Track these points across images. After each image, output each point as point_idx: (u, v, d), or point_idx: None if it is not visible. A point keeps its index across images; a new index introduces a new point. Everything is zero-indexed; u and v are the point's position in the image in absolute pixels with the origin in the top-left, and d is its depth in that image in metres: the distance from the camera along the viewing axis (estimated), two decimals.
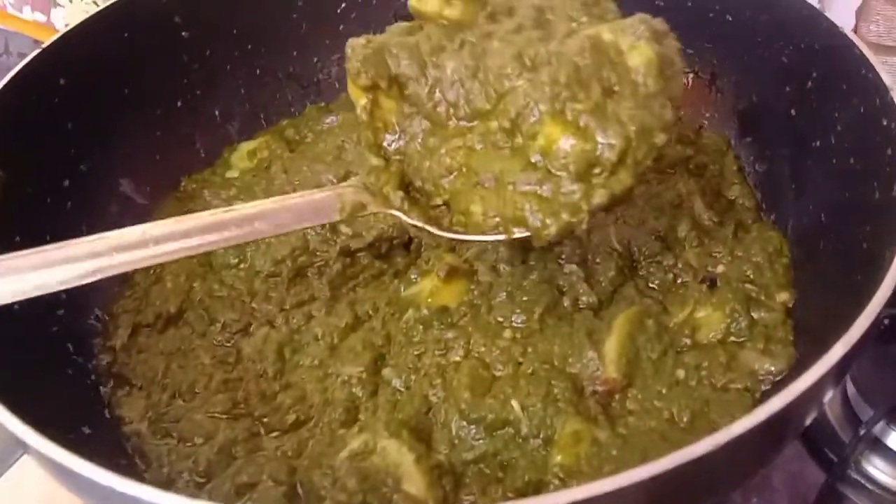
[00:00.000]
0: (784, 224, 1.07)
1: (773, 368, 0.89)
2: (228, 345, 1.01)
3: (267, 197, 1.13)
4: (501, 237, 0.85)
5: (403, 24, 0.90)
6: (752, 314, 0.94)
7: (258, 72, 1.34)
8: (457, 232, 0.88)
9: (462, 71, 0.83)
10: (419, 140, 0.88)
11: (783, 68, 1.08)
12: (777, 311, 0.95)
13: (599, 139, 0.77)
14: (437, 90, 0.85)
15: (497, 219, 0.84)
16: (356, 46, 0.86)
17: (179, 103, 1.26)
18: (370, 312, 1.01)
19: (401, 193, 0.87)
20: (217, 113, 1.31)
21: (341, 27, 1.36)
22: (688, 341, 0.93)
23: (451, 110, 0.85)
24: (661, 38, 0.83)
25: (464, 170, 0.85)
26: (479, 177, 0.84)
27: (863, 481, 1.02)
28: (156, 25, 1.21)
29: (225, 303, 1.04)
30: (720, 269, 1.00)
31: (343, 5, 1.35)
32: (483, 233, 0.86)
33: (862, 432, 1.02)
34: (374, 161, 0.90)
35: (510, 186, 0.82)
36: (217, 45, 1.28)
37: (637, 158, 0.79)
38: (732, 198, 1.11)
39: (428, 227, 0.88)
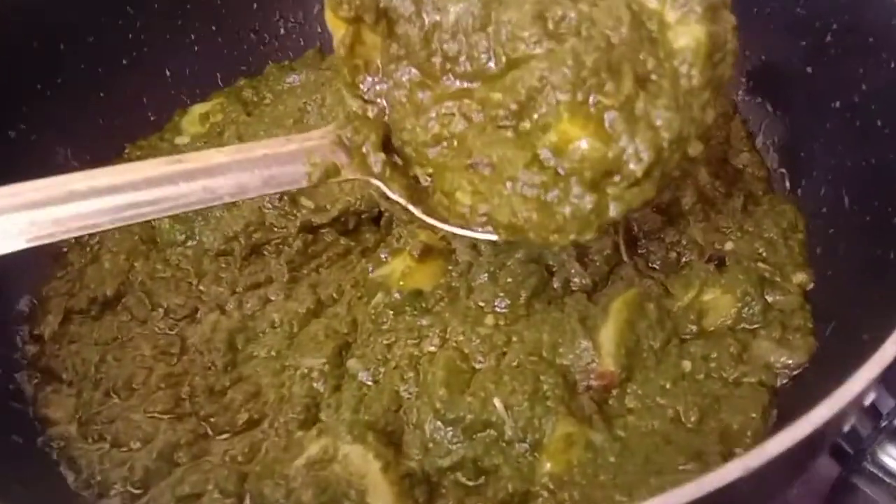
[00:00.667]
0: (799, 195, 0.96)
1: (790, 361, 0.78)
2: (172, 333, 0.89)
3: None
4: (492, 237, 0.73)
5: None
6: (766, 297, 0.84)
7: (214, 27, 1.20)
8: (440, 219, 0.75)
9: (468, 20, 0.69)
10: (405, 91, 0.74)
11: (798, 20, 0.96)
12: (794, 293, 0.84)
13: (626, 146, 0.64)
14: (435, 37, 0.71)
15: (486, 217, 0.71)
16: None
17: (124, 61, 1.13)
18: (334, 296, 0.90)
19: (382, 156, 0.74)
20: (167, 71, 1.17)
21: None
22: (694, 328, 0.83)
23: (448, 65, 0.71)
24: (716, 10, 0.68)
25: (455, 143, 0.71)
26: (471, 157, 0.70)
27: (880, 473, 0.93)
28: None
29: (169, 285, 0.92)
30: (729, 246, 0.90)
31: None
32: (468, 227, 0.74)
33: (883, 424, 0.93)
34: (353, 104, 0.76)
35: (508, 183, 0.68)
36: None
37: (666, 170, 0.67)
38: (740, 166, 1.00)
39: (411, 207, 0.75)
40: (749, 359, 0.79)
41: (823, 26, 0.92)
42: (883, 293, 0.74)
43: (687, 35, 0.65)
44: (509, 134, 0.68)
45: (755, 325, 0.83)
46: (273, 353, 0.85)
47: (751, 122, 1.05)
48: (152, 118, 1.15)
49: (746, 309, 0.83)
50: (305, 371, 0.82)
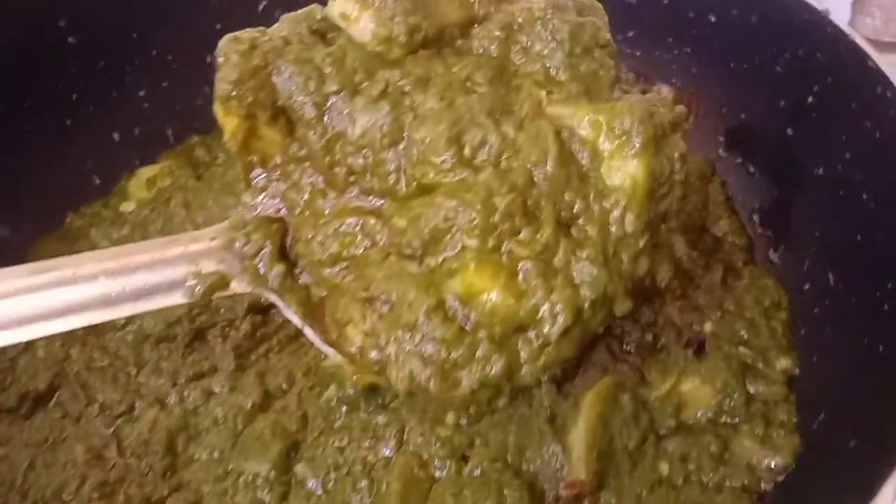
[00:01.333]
0: (781, 267, 0.91)
1: (774, 464, 0.72)
2: (108, 432, 0.82)
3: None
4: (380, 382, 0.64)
5: (314, 16, 0.65)
6: (748, 387, 0.78)
7: (165, 83, 1.13)
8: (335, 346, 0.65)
9: (376, 134, 0.60)
10: (305, 195, 0.65)
11: (777, 78, 0.92)
12: (777, 382, 0.79)
13: (540, 304, 0.56)
14: (338, 148, 0.62)
15: (377, 367, 0.61)
16: (231, 50, 0.62)
17: (68, 122, 1.05)
18: (283, 386, 0.83)
19: (280, 268, 0.64)
20: (114, 132, 1.10)
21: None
22: (671, 422, 0.77)
23: (353, 178, 0.62)
24: (661, 140, 0.59)
25: (354, 267, 0.62)
26: (369, 289, 0.61)
27: None
28: (36, 30, 1.00)
29: (106, 376, 0.85)
30: (708, 327, 0.84)
31: (264, 3, 1.15)
32: (355, 367, 0.64)
33: None
34: (248, 200, 0.67)
35: (407, 334, 0.58)
36: (112, 52, 1.07)
37: (587, 329, 0.59)
38: (719, 234, 0.94)
39: (307, 331, 0.65)
40: (731, 458, 0.74)
41: (804, 87, 0.88)
42: (872, 391, 0.69)
43: (622, 172, 0.57)
44: (414, 268, 0.59)
45: (737, 419, 0.77)
46: (216, 456, 0.78)
47: (729, 183, 1.00)
48: (98, 182, 1.08)
49: (727, 401, 0.77)
50: (250, 478, 0.75)
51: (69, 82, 1.05)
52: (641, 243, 0.58)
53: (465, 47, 0.64)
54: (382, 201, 0.62)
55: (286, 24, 0.65)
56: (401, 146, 0.60)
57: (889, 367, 0.66)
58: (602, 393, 0.76)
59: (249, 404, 0.80)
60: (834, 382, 0.75)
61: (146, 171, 1.08)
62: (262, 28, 0.66)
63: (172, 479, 0.77)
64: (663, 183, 0.59)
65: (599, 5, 0.68)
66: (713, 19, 0.98)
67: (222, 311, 0.87)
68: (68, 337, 0.89)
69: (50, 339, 0.88)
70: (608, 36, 0.64)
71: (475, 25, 0.64)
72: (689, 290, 0.86)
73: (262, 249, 0.64)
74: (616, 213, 0.57)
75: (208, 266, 0.64)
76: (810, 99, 0.87)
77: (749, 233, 0.95)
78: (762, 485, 0.73)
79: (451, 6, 0.64)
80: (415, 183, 0.59)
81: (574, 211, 0.57)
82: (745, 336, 0.82)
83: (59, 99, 1.04)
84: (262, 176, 0.66)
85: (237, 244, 0.64)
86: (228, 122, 0.64)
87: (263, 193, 0.66)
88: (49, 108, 1.03)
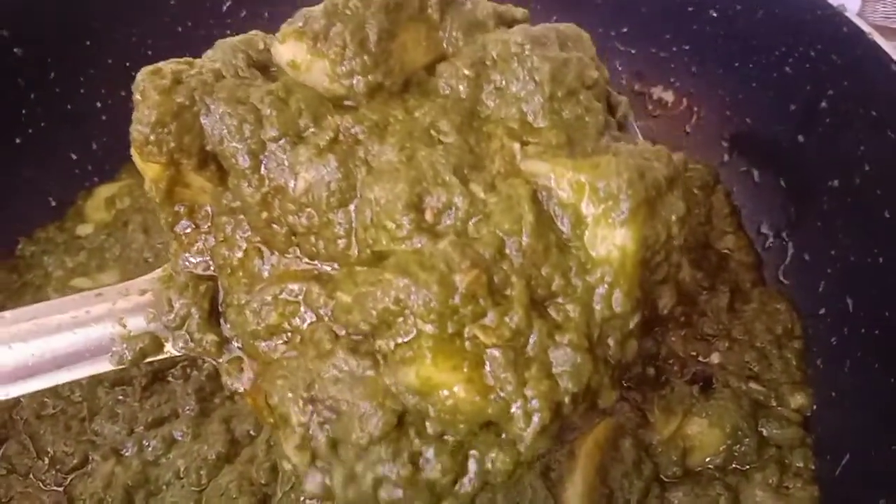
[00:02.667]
0: (793, 289, 0.83)
1: None
2: (59, 489, 0.74)
3: (118, 266, 0.89)
4: None
5: (254, 45, 0.55)
6: (761, 430, 0.71)
7: (123, 92, 1.04)
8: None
9: (322, 192, 0.50)
10: (239, 253, 0.55)
11: (786, 80, 0.84)
12: (793, 423, 0.72)
13: (512, 402, 0.46)
14: (277, 204, 0.52)
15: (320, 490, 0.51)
16: (151, 86, 0.53)
17: (18, 140, 0.97)
18: (251, 432, 0.76)
19: (212, 337, 0.55)
20: (70, 148, 1.02)
21: (229, 32, 1.07)
22: (677, 470, 0.70)
23: (295, 238, 0.53)
24: (654, 203, 0.49)
25: (293, 347, 0.52)
26: (312, 390, 0.50)
27: None
28: None
29: (57, 425, 0.78)
30: (715, 358, 0.77)
31: (229, 3, 1.06)
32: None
33: None
34: (173, 259, 0.57)
35: (358, 459, 0.48)
36: (64, 61, 0.99)
37: (567, 424, 0.50)
38: (725, 251, 0.86)
39: (248, 400, 0.56)
40: None
41: (817, 90, 0.80)
42: None
43: (609, 241, 0.48)
44: (368, 371, 0.49)
45: (748, 466, 0.70)
46: None
47: (735, 193, 0.92)
48: (53, 204, 1.00)
49: (738, 446, 0.70)
50: None
51: (17, 97, 0.96)
52: (631, 324, 0.49)
53: (429, 86, 0.54)
54: (333, 267, 0.53)
55: (219, 53, 0.55)
56: (352, 205, 0.51)
57: None
58: (601, 440, 0.69)
59: (214, 455, 0.73)
60: (856, 423, 0.68)
61: (104, 190, 1.00)
62: (189, 59, 0.57)
63: None
64: (658, 251, 0.50)
65: (586, 35, 0.59)
66: (714, 14, 0.90)
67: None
68: None
69: None
70: (596, 74, 0.55)
71: (442, 61, 0.56)
72: (693, 317, 0.80)
73: (188, 317, 0.56)
74: (602, 290, 0.48)
75: (137, 325, 0.56)
76: (824, 103, 0.79)
77: (757, 249, 0.87)
78: None
79: (417, 50, 0.54)
80: (368, 249, 0.50)
81: (552, 288, 0.48)
82: (756, 369, 0.75)
83: (7, 114, 0.96)
84: (190, 228, 0.57)
85: (163, 313, 0.56)
86: (148, 168, 0.55)
87: (191, 248, 0.57)
88: None
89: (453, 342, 0.47)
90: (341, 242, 0.51)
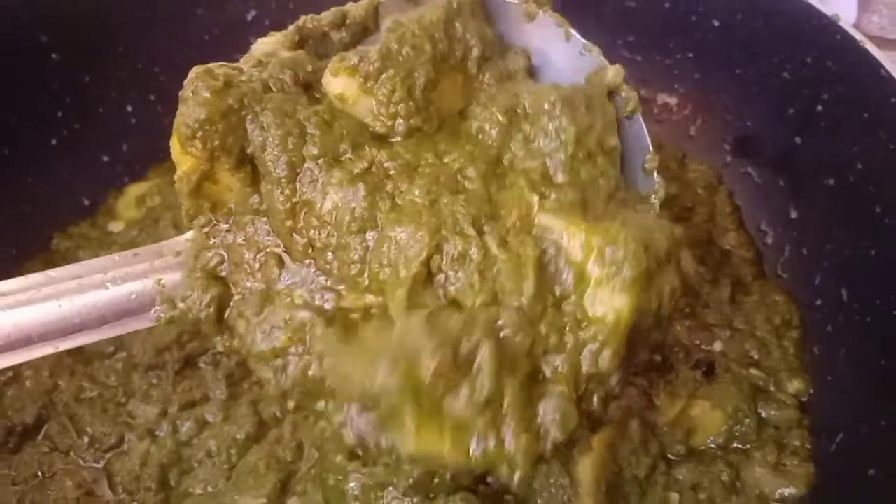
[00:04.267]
0: (791, 282, 0.88)
1: (787, 492, 0.69)
2: (98, 466, 0.79)
3: None
4: None
5: (303, 66, 0.58)
6: (760, 412, 0.75)
7: (152, 96, 1.10)
8: None
9: (346, 215, 0.54)
10: (256, 255, 0.57)
11: (785, 84, 0.88)
12: (790, 405, 0.76)
13: (496, 460, 0.49)
14: (303, 216, 0.56)
15: None
16: (203, 86, 0.56)
17: (54, 141, 1.02)
18: (277, 415, 0.80)
19: (219, 339, 0.58)
20: (102, 149, 1.07)
21: (251, 40, 1.12)
22: (681, 448, 0.74)
23: (312, 252, 0.56)
24: (653, 275, 0.53)
25: (299, 378, 0.53)
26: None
27: None
28: (16, 47, 0.97)
29: (95, 408, 0.82)
30: (717, 346, 0.81)
31: (253, 13, 1.12)
32: None
33: None
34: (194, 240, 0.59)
35: None
36: (97, 66, 1.04)
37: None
38: (727, 247, 0.91)
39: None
40: (743, 488, 0.71)
41: (813, 95, 0.84)
42: (891, 415, 0.65)
43: (607, 305, 0.51)
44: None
45: (748, 445, 0.74)
46: (210, 490, 0.76)
47: (737, 193, 0.97)
48: (86, 203, 1.05)
49: (738, 426, 0.74)
50: None
51: (53, 99, 1.01)
52: (613, 382, 0.53)
53: (461, 128, 0.59)
54: (340, 289, 0.55)
55: (270, 69, 0.59)
56: (370, 234, 0.54)
57: None
58: (612, 421, 0.73)
59: (243, 435, 0.78)
60: (851, 405, 0.72)
61: (135, 189, 1.04)
62: (237, 65, 0.61)
63: None
64: (650, 316, 0.54)
65: (610, 106, 0.63)
66: (717, 23, 0.94)
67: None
68: (56, 366, 0.86)
69: (37, 370, 0.86)
70: (614, 142, 0.60)
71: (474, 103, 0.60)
72: (697, 308, 0.84)
73: (199, 312, 0.58)
74: (592, 347, 0.52)
75: (174, 281, 0.59)
76: (819, 107, 0.84)
77: (757, 245, 0.91)
78: None
79: (454, 96, 0.59)
80: (375, 283, 0.54)
81: (545, 344, 0.52)
82: (756, 356, 0.80)
83: (44, 117, 1.01)
84: (211, 223, 0.60)
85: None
86: (184, 160, 0.58)
87: (209, 241, 0.59)
88: (33, 127, 1.00)
89: (432, 415, 0.49)
90: (354, 268, 0.54)
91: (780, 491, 0.70)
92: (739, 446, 0.74)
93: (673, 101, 1.03)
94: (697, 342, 0.81)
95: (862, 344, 0.74)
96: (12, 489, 0.78)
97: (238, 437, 0.78)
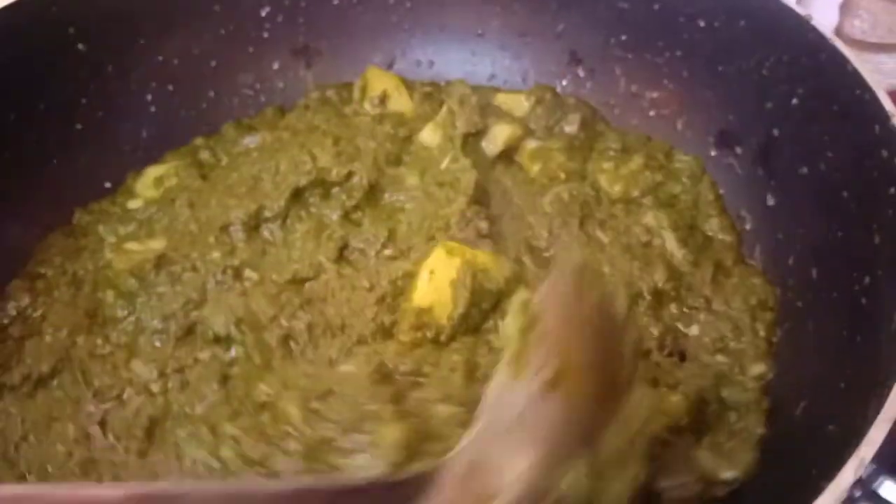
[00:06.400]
0: (767, 264, 0.93)
1: (729, 475, 0.73)
2: (97, 413, 0.85)
3: (166, 235, 0.99)
4: None
5: None
6: (724, 396, 0.79)
7: (171, 87, 1.17)
8: None
9: None
10: None
11: (764, 81, 0.94)
12: (750, 389, 0.80)
13: None
14: None
15: None
16: None
17: (79, 126, 1.09)
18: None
19: None
20: (123, 135, 1.13)
21: (266, 35, 1.19)
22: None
23: None
24: None
25: None
26: None
27: None
28: (47, 39, 1.04)
29: (106, 364, 0.88)
30: (694, 329, 0.85)
31: (267, 9, 1.18)
32: None
33: (857, 494, 0.89)
34: None
35: None
36: (119, 58, 1.11)
37: None
38: (710, 233, 0.96)
39: None
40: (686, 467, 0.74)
41: (789, 90, 0.90)
42: (849, 379, 0.70)
43: None
44: None
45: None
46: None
47: (719, 183, 1.02)
48: (107, 185, 1.11)
49: (699, 413, 0.77)
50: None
51: (79, 88, 1.08)
52: None
53: None
54: None
55: None
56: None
57: (865, 356, 0.68)
58: None
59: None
60: (815, 372, 0.77)
61: (153, 171, 1.11)
62: None
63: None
64: None
65: None
66: (702, 24, 1.00)
67: None
68: (75, 326, 0.92)
69: (57, 328, 0.92)
70: None
71: None
72: (681, 291, 0.88)
73: None
74: None
75: None
76: (794, 101, 0.89)
77: (738, 230, 0.96)
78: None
79: None
80: None
81: None
82: (729, 337, 0.84)
83: (70, 104, 1.08)
84: None
85: None
86: None
87: None
88: (60, 113, 1.07)
89: None
90: None
91: (723, 474, 0.73)
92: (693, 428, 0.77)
93: (662, 96, 1.08)
94: (678, 324, 0.86)
95: (827, 317, 0.78)
96: (21, 427, 0.84)
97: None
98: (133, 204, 1.07)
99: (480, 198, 0.93)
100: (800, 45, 0.87)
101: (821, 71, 0.84)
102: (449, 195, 0.91)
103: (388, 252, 0.91)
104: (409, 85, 1.14)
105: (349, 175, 0.95)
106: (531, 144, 1.04)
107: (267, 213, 0.95)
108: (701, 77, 1.03)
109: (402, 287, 0.84)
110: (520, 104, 1.10)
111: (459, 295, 0.78)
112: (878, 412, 0.56)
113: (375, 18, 1.19)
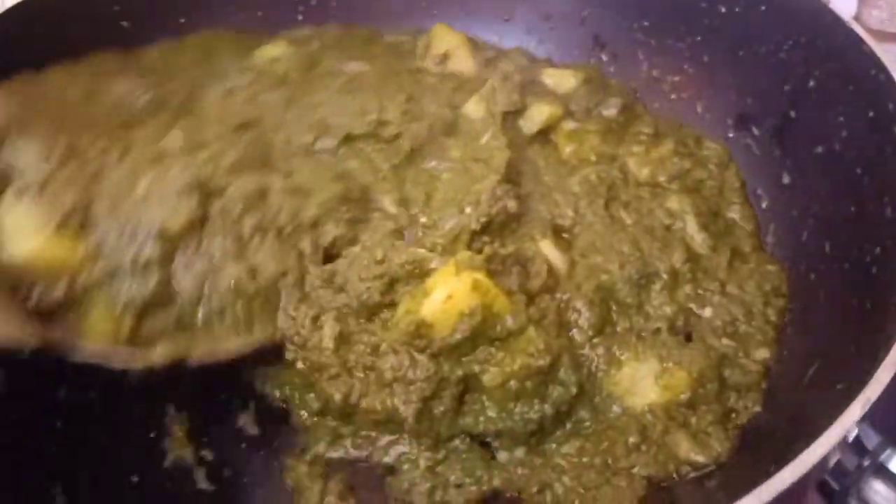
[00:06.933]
0: (782, 241, 0.96)
1: (700, 459, 0.78)
2: None
3: None
4: None
5: None
6: (725, 377, 0.83)
7: None
8: None
9: None
10: None
11: (782, 64, 0.98)
12: (752, 372, 0.84)
13: None
14: None
15: None
16: None
17: None
18: None
19: None
20: None
21: (300, 18, 1.23)
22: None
23: None
24: None
25: None
26: None
27: None
28: (93, 15, 1.08)
29: None
30: (707, 312, 0.88)
31: None
32: None
33: (867, 463, 0.93)
34: None
35: None
36: (161, 36, 1.14)
37: None
38: (731, 219, 0.98)
39: None
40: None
41: (805, 72, 0.94)
42: (859, 341, 0.74)
43: None
44: None
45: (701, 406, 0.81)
46: None
47: (738, 164, 1.05)
48: None
49: (701, 390, 0.81)
50: None
51: None
52: None
53: None
54: None
55: None
56: None
57: (874, 321, 0.72)
58: None
59: None
60: (826, 338, 0.81)
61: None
62: None
63: None
64: None
65: None
66: (723, 10, 1.04)
67: None
68: None
69: None
70: None
71: None
72: (697, 273, 0.91)
73: None
74: None
75: None
76: (811, 83, 0.93)
77: (757, 218, 0.99)
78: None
79: None
80: None
81: None
82: (738, 325, 0.87)
83: None
84: None
85: None
86: None
87: None
88: None
89: None
90: None
91: (693, 457, 0.77)
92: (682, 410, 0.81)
93: (683, 80, 1.12)
94: (691, 306, 0.89)
95: (839, 287, 0.83)
96: None
97: None
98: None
99: (512, 176, 0.94)
100: (817, 28, 0.91)
101: (837, 53, 0.88)
102: (483, 171, 0.92)
103: (423, 220, 0.90)
104: (475, 46, 1.14)
105: (398, 136, 0.96)
106: (568, 125, 1.05)
107: (318, 146, 0.95)
108: (721, 61, 1.07)
109: (408, 273, 0.83)
110: (566, 81, 1.10)
111: (461, 328, 0.77)
112: None
113: (405, 4, 1.23)
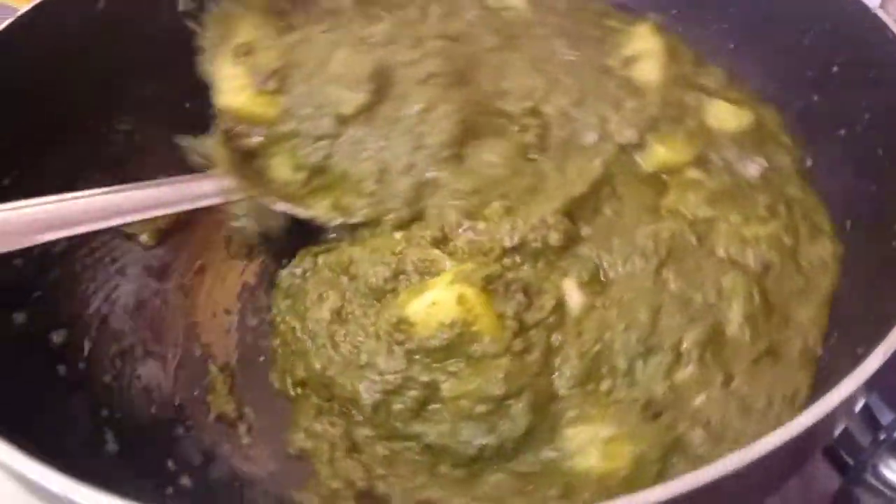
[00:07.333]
0: None
1: None
2: None
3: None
4: None
5: None
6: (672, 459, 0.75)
7: None
8: None
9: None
10: None
11: (806, 50, 1.01)
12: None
13: None
14: None
15: None
16: None
17: None
18: None
19: None
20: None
21: None
22: None
23: None
24: None
25: None
26: None
27: (879, 485, 0.94)
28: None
29: None
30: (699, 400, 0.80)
31: None
32: None
33: (882, 437, 0.96)
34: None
35: None
36: None
37: None
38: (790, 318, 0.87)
39: None
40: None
41: (829, 58, 0.97)
42: (879, 315, 0.78)
43: None
44: None
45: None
46: None
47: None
48: None
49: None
50: None
51: None
52: None
53: None
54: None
55: None
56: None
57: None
58: None
59: None
60: (846, 314, 0.85)
61: None
62: None
63: None
64: None
65: None
66: None
67: None
68: None
69: None
70: None
71: None
72: (705, 356, 0.81)
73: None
74: None
75: None
76: (835, 68, 0.96)
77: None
78: None
79: None
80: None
81: None
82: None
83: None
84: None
85: None
86: None
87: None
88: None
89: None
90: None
91: None
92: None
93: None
94: (685, 392, 0.80)
95: (859, 264, 0.86)
96: None
97: None
98: None
99: (578, 211, 0.89)
100: (840, 15, 0.94)
101: (860, 39, 0.92)
102: (551, 192, 0.89)
103: (456, 202, 0.89)
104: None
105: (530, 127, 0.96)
106: (691, 174, 0.93)
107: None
108: (746, 49, 1.10)
109: (420, 269, 0.85)
110: (732, 119, 0.99)
111: (437, 335, 0.78)
112: None
113: None
